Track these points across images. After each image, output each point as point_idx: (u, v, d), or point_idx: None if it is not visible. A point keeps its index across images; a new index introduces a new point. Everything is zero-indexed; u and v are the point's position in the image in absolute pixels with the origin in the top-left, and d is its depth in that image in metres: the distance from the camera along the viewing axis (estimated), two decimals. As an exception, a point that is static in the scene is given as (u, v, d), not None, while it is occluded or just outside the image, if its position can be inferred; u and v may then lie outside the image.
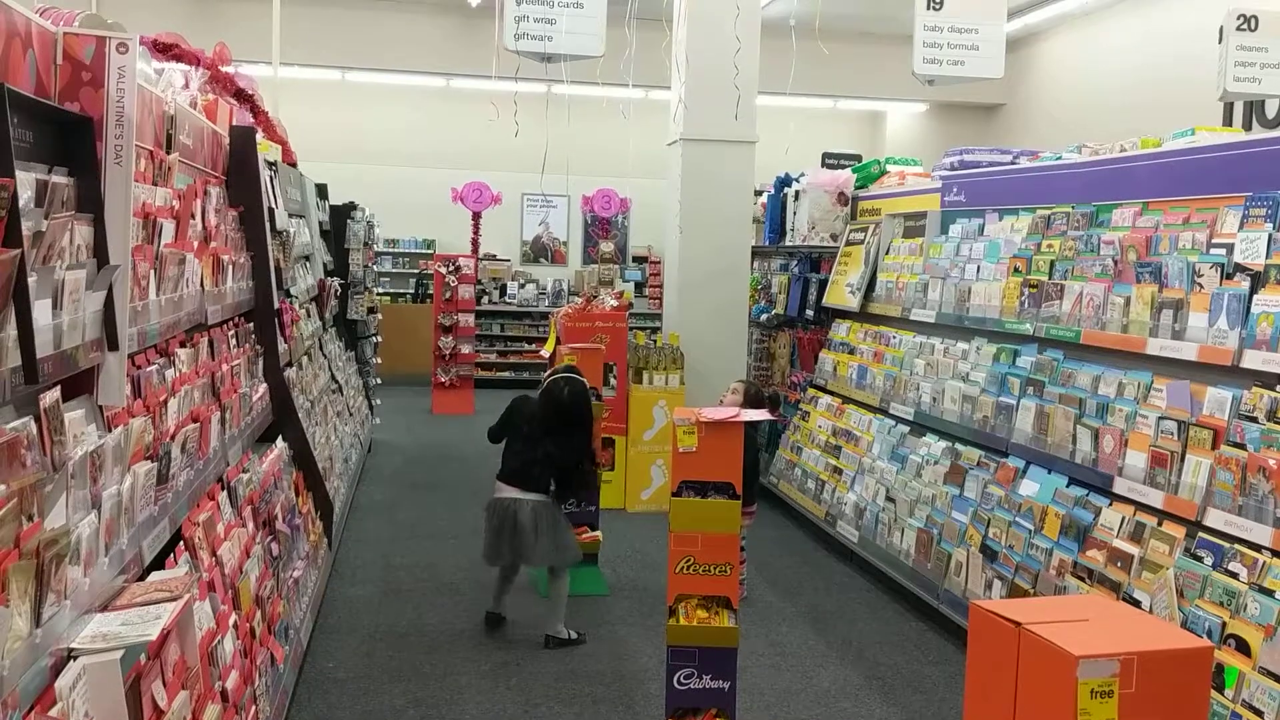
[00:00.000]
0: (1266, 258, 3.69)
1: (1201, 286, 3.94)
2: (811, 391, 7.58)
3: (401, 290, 15.36)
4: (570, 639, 5.02)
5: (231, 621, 3.10)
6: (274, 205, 5.34)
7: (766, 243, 8.80)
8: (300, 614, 4.45)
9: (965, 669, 1.91)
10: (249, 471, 4.02)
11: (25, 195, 2.00)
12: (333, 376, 7.57)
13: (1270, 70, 6.01)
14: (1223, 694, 3.26)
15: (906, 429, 6.14)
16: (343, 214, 9.63)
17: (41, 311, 2.03)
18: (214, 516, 3.31)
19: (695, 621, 3.65)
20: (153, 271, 2.93)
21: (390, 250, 15.51)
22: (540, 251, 16.30)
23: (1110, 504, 4.23)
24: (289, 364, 5.36)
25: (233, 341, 4.26)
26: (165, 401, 2.98)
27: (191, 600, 2.45)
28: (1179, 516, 3.83)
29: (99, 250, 2.34)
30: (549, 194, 15.07)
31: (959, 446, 5.51)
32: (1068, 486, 4.53)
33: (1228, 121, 9.78)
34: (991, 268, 5.55)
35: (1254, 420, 3.56)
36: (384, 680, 4.54)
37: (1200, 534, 3.69)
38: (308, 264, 7.23)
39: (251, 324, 4.76)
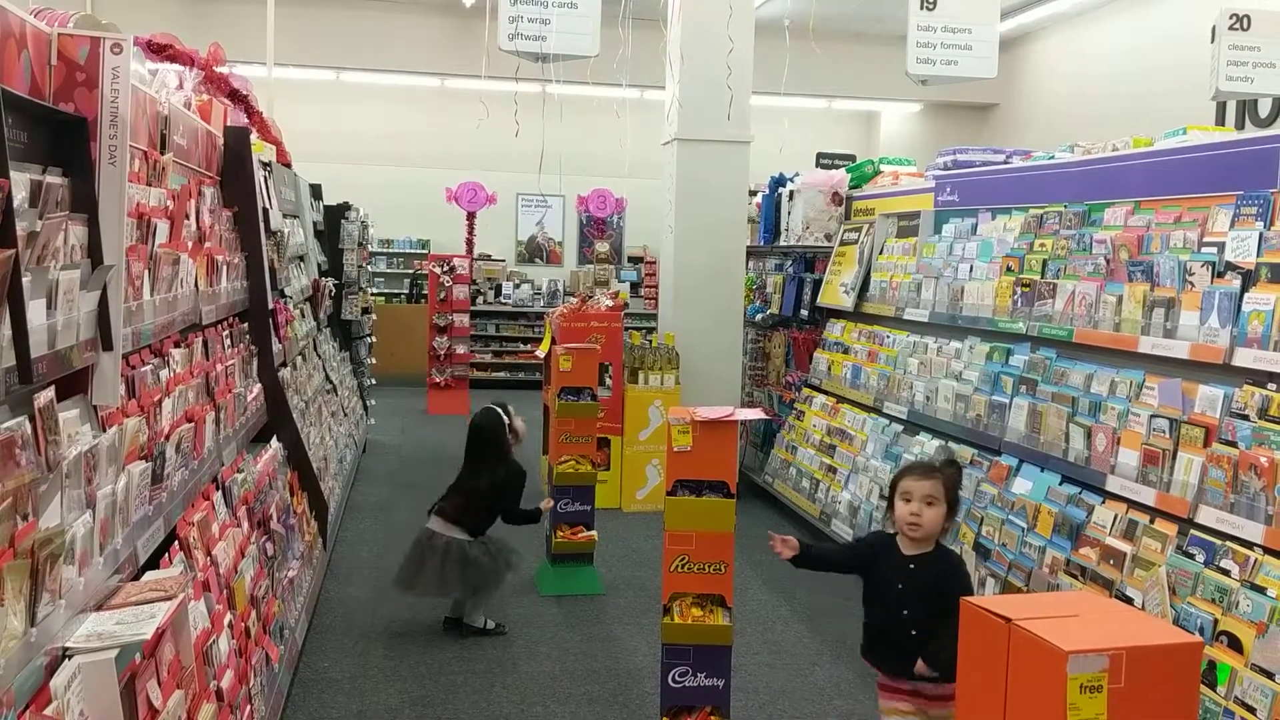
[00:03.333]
0: (1258, 256, 3.71)
1: (1193, 285, 3.96)
2: (806, 391, 7.59)
3: (396, 290, 15.34)
4: (487, 629, 5.09)
5: (226, 621, 3.10)
6: (268, 205, 5.34)
7: (761, 243, 8.82)
8: (295, 614, 4.46)
9: (956, 665, 1.92)
10: (244, 471, 4.02)
11: (20, 195, 2.01)
12: (327, 377, 7.57)
13: (1263, 69, 6.02)
14: (1215, 691, 3.27)
15: (900, 428, 6.16)
16: (337, 214, 9.63)
17: (36, 312, 2.03)
18: (209, 516, 3.32)
19: (690, 620, 3.66)
20: (147, 272, 2.94)
21: (385, 250, 15.49)
22: (535, 252, 16.30)
23: (1103, 502, 4.25)
24: (283, 364, 5.36)
25: (227, 342, 4.27)
26: (160, 401, 2.99)
27: (186, 600, 2.45)
28: (1171, 514, 3.84)
29: (93, 250, 2.35)
30: (545, 194, 15.07)
31: (952, 445, 5.52)
32: (1060, 485, 4.55)
33: (1220, 121, 9.81)
34: (984, 267, 5.57)
35: (1245, 418, 3.58)
36: (379, 679, 4.55)
37: (1192, 531, 3.70)
38: (302, 264, 7.23)
39: (246, 324, 4.76)
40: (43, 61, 2.30)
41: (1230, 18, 5.96)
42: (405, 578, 5.08)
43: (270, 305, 5.02)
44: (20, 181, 2.03)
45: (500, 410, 5.30)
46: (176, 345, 3.44)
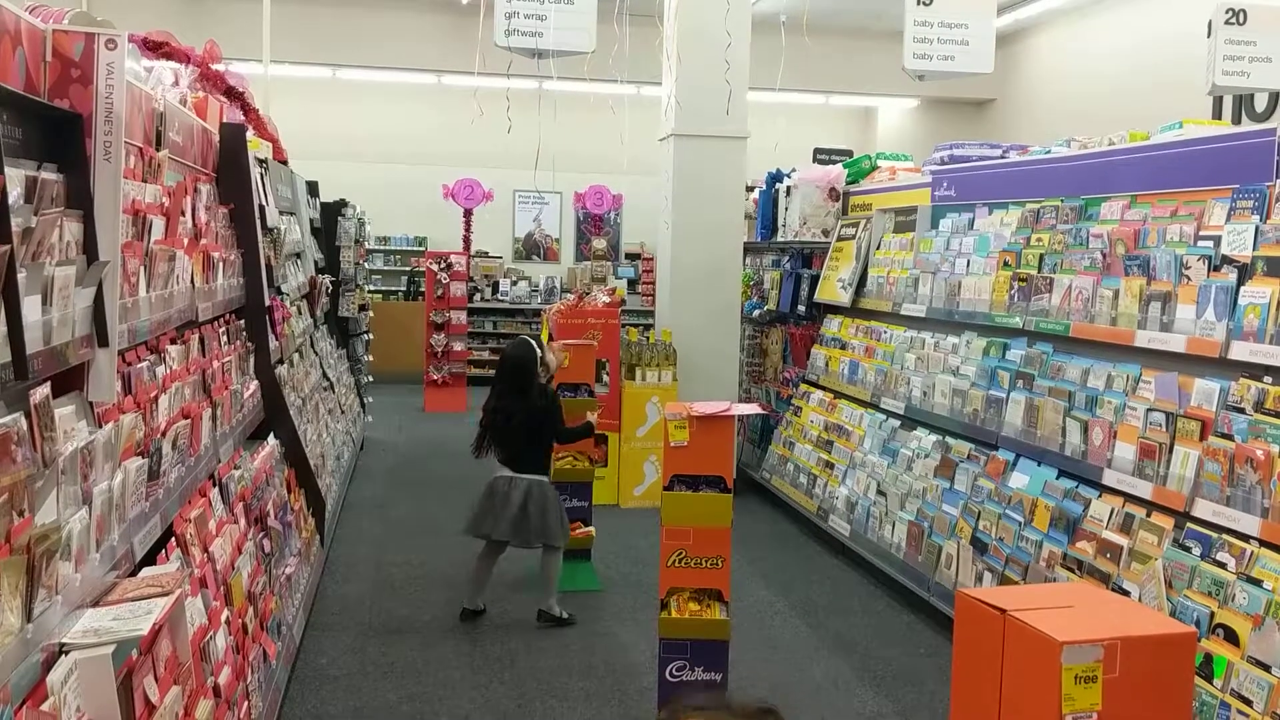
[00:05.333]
0: (1254, 249, 3.72)
1: (1189, 279, 3.96)
2: (804, 387, 7.60)
3: (393, 288, 15.32)
4: (563, 618, 5.16)
5: (224, 617, 3.10)
6: (265, 202, 5.33)
7: (759, 239, 8.82)
8: (293, 610, 4.46)
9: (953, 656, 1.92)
10: (240, 468, 4.02)
11: (15, 192, 2.01)
12: (324, 374, 7.56)
13: (1258, 64, 6.03)
14: (1211, 683, 3.28)
15: (897, 423, 6.16)
16: (334, 211, 9.62)
17: (31, 308, 2.03)
18: (205, 513, 3.32)
19: (687, 614, 3.67)
20: (143, 268, 2.93)
21: (381, 247, 15.47)
22: (532, 249, 16.30)
23: (1099, 496, 4.26)
24: (280, 361, 5.36)
25: (224, 338, 4.26)
26: (156, 398, 2.99)
27: (183, 596, 2.45)
28: (1167, 507, 3.85)
29: (88, 247, 2.35)
30: (541, 191, 15.04)
31: (949, 440, 5.53)
32: (1057, 479, 4.56)
33: (1217, 115, 9.81)
34: (981, 262, 5.57)
35: (1241, 411, 3.58)
36: (376, 676, 4.55)
37: (1188, 525, 3.71)
38: (299, 261, 7.22)
39: (242, 321, 4.76)
40: (38, 58, 2.29)
41: (1226, 12, 5.96)
42: (479, 523, 5.17)
43: (267, 302, 5.02)
44: (15, 178, 2.03)
45: (533, 342, 5.33)
46: (173, 342, 3.44)
